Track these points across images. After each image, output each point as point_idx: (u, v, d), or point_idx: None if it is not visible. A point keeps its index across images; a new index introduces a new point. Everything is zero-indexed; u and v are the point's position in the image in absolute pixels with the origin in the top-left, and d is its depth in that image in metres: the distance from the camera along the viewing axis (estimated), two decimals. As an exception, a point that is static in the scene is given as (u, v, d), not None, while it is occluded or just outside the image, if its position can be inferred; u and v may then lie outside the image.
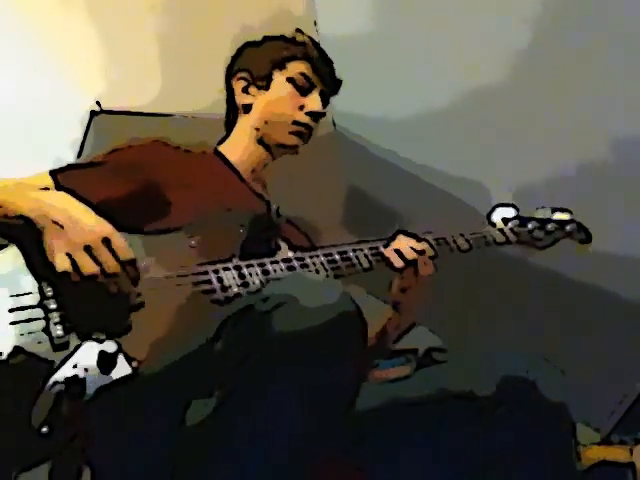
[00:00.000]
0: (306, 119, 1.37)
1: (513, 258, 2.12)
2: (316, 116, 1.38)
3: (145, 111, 2.01)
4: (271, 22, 1.94)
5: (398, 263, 1.23)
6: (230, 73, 1.44)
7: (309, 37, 1.43)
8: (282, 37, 1.42)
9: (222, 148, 1.42)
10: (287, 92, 1.37)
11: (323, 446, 0.85)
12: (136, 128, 1.92)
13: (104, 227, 0.95)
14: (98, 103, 2.00)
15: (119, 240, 0.95)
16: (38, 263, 0.95)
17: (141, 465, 0.91)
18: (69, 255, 0.92)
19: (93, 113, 2.01)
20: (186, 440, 0.83)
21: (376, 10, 1.99)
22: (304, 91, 1.38)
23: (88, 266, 0.92)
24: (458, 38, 1.86)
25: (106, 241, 0.94)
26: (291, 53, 1.39)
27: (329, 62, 1.43)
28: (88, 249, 0.92)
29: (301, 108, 1.37)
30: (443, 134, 2.09)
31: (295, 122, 1.36)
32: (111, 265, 0.94)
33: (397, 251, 1.24)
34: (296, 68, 1.38)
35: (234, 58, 1.45)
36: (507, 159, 2.00)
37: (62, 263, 0.91)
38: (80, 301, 0.94)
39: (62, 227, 0.93)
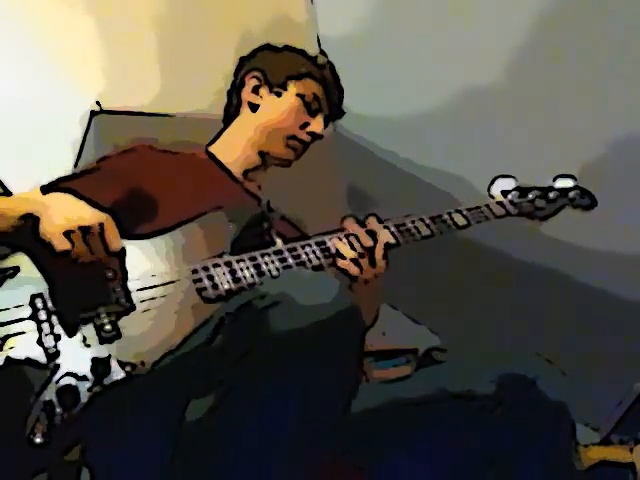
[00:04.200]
0: (306, 138, 1.37)
1: (514, 257, 2.13)
2: (315, 137, 1.39)
3: (145, 111, 2.01)
4: (271, 24, 1.95)
5: (348, 254, 1.14)
6: (242, 66, 1.44)
7: (329, 61, 1.43)
8: (303, 52, 1.43)
9: (213, 148, 1.41)
10: (296, 106, 1.37)
11: (321, 445, 0.85)
12: (136, 128, 1.92)
13: (100, 214, 0.97)
14: (98, 103, 2.00)
15: (112, 228, 0.97)
16: (42, 258, 0.96)
17: (140, 466, 0.91)
18: (66, 235, 0.93)
19: (93, 113, 2.00)
20: (185, 438, 0.83)
21: (376, 10, 1.99)
22: (311, 111, 1.38)
23: (80, 249, 0.94)
24: (458, 38, 1.86)
25: (102, 226, 0.96)
26: (309, 70, 1.39)
27: (341, 90, 1.44)
28: (83, 230, 0.94)
29: (303, 126, 1.37)
30: (443, 134, 2.09)
31: (294, 137, 1.37)
32: (98, 250, 0.95)
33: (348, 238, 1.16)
34: (310, 87, 1.38)
35: (250, 56, 1.45)
36: (507, 159, 2.00)
37: (60, 243, 0.93)
38: (70, 309, 0.95)
39: (58, 210, 0.96)
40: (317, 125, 1.37)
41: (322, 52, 1.44)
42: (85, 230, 0.94)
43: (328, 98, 1.40)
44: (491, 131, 2.01)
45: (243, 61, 1.44)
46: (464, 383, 1.04)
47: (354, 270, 1.14)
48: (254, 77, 1.40)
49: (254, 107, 1.39)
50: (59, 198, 1.01)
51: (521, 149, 1.99)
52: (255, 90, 1.40)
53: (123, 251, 0.98)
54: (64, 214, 0.95)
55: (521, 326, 2.17)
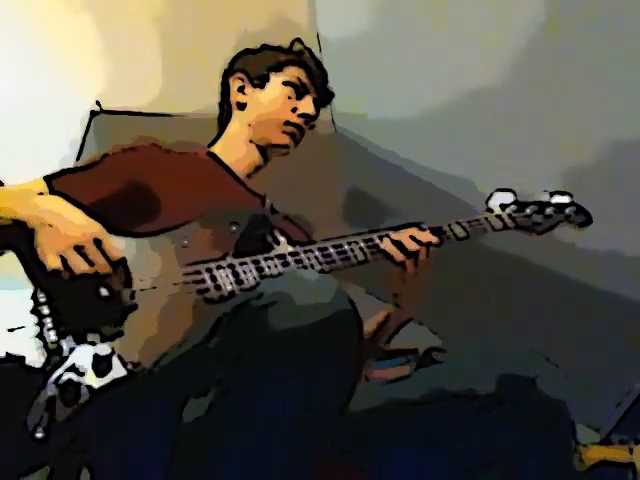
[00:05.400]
0: (299, 120, 1.39)
1: (514, 257, 2.12)
2: (308, 119, 1.41)
3: (145, 111, 2.01)
4: (271, 24, 1.95)
5: (399, 257, 1.21)
6: (227, 74, 1.47)
7: (306, 47, 1.46)
8: (279, 47, 1.46)
9: (215, 149, 1.42)
10: (282, 93, 1.40)
11: (318, 445, 0.85)
12: (136, 128, 1.92)
13: (95, 228, 0.97)
14: (98, 103, 2.00)
15: (109, 241, 0.97)
16: (34, 267, 0.96)
17: (140, 465, 0.91)
18: (60, 255, 0.93)
19: (93, 113, 2.01)
20: (182, 438, 0.83)
21: (376, 11, 1.99)
22: (298, 95, 1.40)
23: (79, 265, 0.94)
24: (458, 39, 1.86)
25: (97, 242, 0.96)
26: (288, 58, 1.42)
27: (324, 72, 1.46)
28: (79, 249, 0.94)
29: (294, 110, 1.39)
30: (443, 134, 2.09)
31: (287, 122, 1.38)
32: (102, 265, 0.95)
33: (397, 243, 1.22)
34: (292, 73, 1.41)
35: (232, 61, 1.48)
36: (507, 159, 2.00)
37: (52, 261, 0.93)
38: (73, 304, 0.95)
39: (54, 228, 0.95)
40: (307, 106, 1.40)
41: (297, 39, 1.46)
42: (80, 248, 0.94)
43: (312, 80, 1.42)
44: (491, 131, 2.01)
45: (225, 73, 1.48)
46: (464, 383, 1.05)
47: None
48: (237, 78, 1.44)
49: (242, 106, 1.42)
50: (55, 208, 1.00)
51: (521, 149, 1.99)
52: (241, 90, 1.42)
53: (123, 259, 0.99)
54: (59, 234, 0.95)
55: (521, 326, 2.17)
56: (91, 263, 0.95)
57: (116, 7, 1.91)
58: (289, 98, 1.39)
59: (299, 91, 1.40)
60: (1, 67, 1.81)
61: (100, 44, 1.93)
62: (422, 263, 1.23)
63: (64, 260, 0.93)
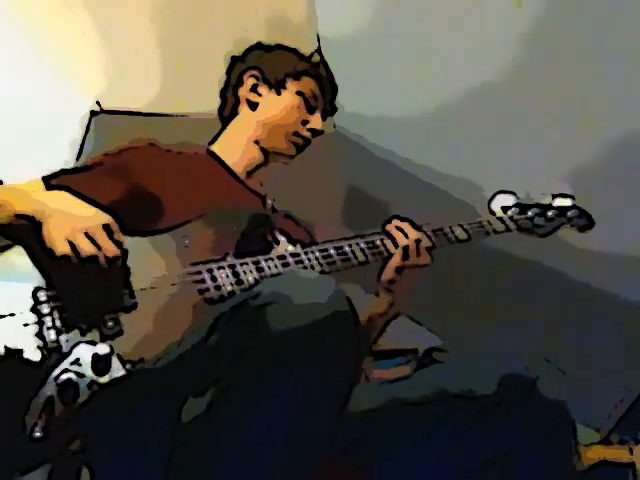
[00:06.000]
0: (307, 134, 1.41)
1: (514, 257, 2.12)
2: (316, 134, 1.41)
3: (145, 111, 2.01)
4: (271, 24, 1.95)
5: (402, 241, 1.23)
6: (234, 64, 1.46)
7: (323, 59, 1.47)
8: (295, 50, 1.46)
9: (215, 147, 1.42)
10: (295, 102, 1.39)
11: (318, 444, 0.85)
12: (136, 128, 1.92)
13: (103, 216, 0.97)
14: (98, 103, 2.00)
15: (117, 228, 0.97)
16: (43, 260, 0.96)
17: (140, 465, 0.91)
18: (68, 241, 0.93)
19: (93, 113, 2.01)
20: (181, 438, 0.84)
21: (376, 10, 1.99)
22: (309, 107, 1.41)
23: (87, 248, 0.93)
24: (457, 38, 1.86)
25: (106, 228, 0.95)
26: (305, 68, 1.42)
27: (335, 87, 1.47)
28: (87, 234, 0.94)
29: (304, 123, 1.39)
30: (443, 134, 2.09)
31: (296, 133, 1.38)
32: (110, 249, 0.95)
33: (399, 228, 1.25)
34: (308, 84, 1.41)
35: (242, 55, 1.47)
36: (507, 159, 2.00)
37: (61, 247, 0.92)
38: (73, 304, 0.95)
39: (61, 217, 0.95)
40: (316, 121, 1.40)
41: (317, 50, 1.46)
42: (89, 233, 0.94)
43: (323, 95, 1.43)
44: (491, 131, 2.01)
45: (235, 61, 1.46)
46: (464, 383, 1.05)
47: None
48: (252, 76, 1.42)
49: (253, 105, 1.41)
50: (61, 201, 1.00)
51: (521, 149, 1.99)
52: (254, 88, 1.41)
53: (125, 251, 0.99)
54: (67, 220, 0.95)
55: (521, 326, 2.17)
56: (99, 248, 0.94)
57: (116, 7, 1.91)
58: (301, 109, 1.39)
59: (310, 104, 1.40)
60: (1, 67, 1.81)
61: (100, 44, 1.93)
62: (412, 256, 1.24)
63: (73, 246, 0.93)
